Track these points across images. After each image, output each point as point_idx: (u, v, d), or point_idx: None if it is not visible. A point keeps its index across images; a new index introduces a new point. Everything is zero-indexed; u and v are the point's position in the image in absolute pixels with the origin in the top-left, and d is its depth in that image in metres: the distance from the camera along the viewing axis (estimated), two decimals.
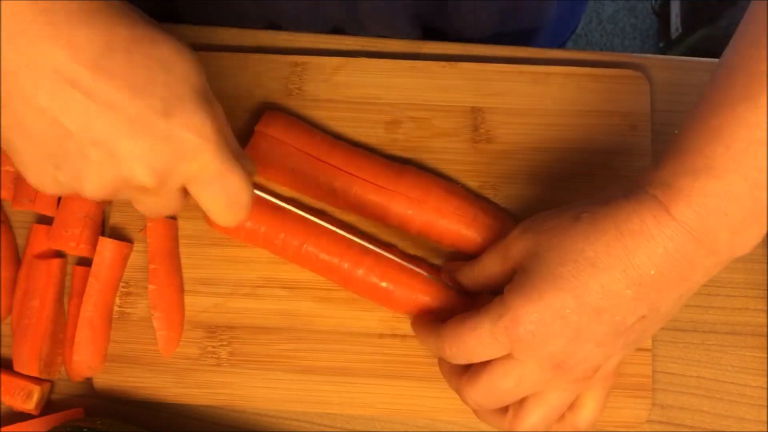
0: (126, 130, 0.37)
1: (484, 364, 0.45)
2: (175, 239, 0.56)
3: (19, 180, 0.56)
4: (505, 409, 0.47)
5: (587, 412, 0.47)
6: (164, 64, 0.38)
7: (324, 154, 0.55)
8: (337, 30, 0.64)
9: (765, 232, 0.41)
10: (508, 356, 0.44)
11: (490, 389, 0.45)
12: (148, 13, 0.40)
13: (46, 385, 0.55)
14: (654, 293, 0.41)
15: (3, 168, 0.57)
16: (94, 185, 0.38)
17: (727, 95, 0.40)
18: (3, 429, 0.53)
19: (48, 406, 0.55)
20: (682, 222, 0.40)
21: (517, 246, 0.46)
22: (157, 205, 0.41)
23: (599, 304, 0.41)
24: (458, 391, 0.47)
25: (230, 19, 0.62)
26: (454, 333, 0.45)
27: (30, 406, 0.53)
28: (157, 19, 0.41)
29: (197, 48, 0.59)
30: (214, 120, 0.39)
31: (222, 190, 0.41)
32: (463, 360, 0.46)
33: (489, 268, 0.49)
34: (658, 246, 0.40)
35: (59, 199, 0.56)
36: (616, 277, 0.41)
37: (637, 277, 0.41)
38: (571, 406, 0.47)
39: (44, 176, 0.39)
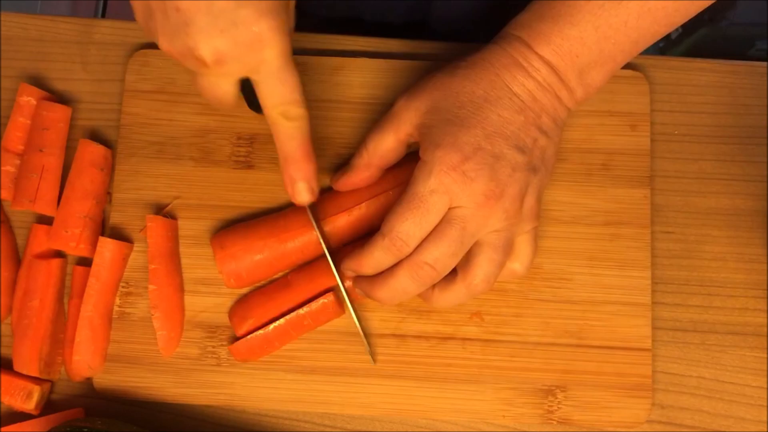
0: (204, 8, 0.42)
1: (427, 243, 0.47)
2: (175, 239, 0.56)
3: (19, 180, 0.56)
4: (451, 278, 0.49)
5: (523, 256, 0.51)
6: None
7: None
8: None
9: (606, 79, 0.50)
10: (444, 220, 0.47)
11: (447, 248, 0.47)
12: None
13: (46, 385, 0.55)
14: (536, 116, 0.48)
15: (3, 168, 0.57)
16: (165, 44, 0.44)
17: None
18: (3, 429, 0.53)
19: (48, 406, 0.55)
20: (543, 57, 0.48)
21: (407, 113, 0.50)
22: (213, 87, 0.47)
23: (503, 130, 0.47)
24: (427, 297, 0.50)
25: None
26: (398, 220, 0.47)
27: (30, 406, 0.54)
28: None
29: None
30: (285, 22, 0.44)
31: (279, 87, 0.46)
32: (415, 241, 0.47)
33: (382, 144, 0.52)
34: (528, 76, 0.48)
35: (59, 199, 0.56)
36: (507, 105, 0.48)
37: (521, 104, 0.48)
38: (513, 255, 0.50)
39: (140, 16, 0.45)
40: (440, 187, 0.46)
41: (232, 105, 0.49)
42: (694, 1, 0.49)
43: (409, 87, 0.51)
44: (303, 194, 0.50)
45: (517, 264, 0.51)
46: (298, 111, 0.48)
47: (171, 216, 0.56)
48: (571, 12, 0.48)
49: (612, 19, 0.47)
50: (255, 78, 0.46)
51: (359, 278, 0.51)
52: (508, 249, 0.49)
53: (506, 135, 0.47)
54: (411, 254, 0.48)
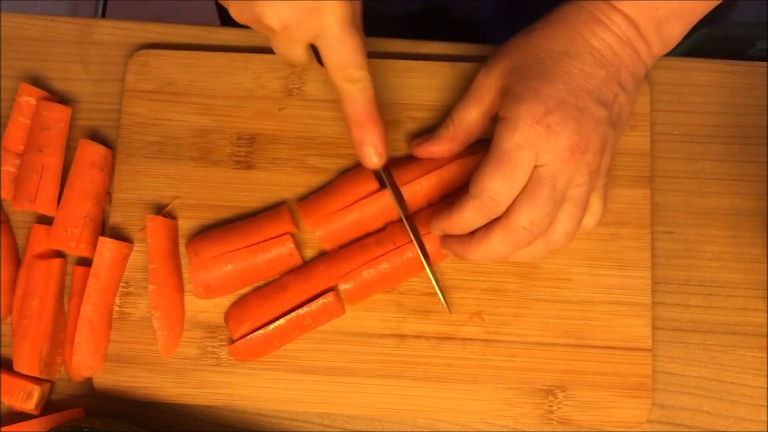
0: None
1: (519, 206, 0.47)
2: (175, 239, 0.56)
3: (19, 180, 0.56)
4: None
5: (595, 210, 0.51)
6: None
7: None
8: None
9: (684, 32, 0.50)
10: (533, 179, 0.47)
11: (542, 209, 0.47)
12: None
13: (46, 385, 0.55)
14: (617, 71, 0.48)
15: (3, 168, 0.57)
16: (235, 12, 0.47)
17: None
18: (3, 429, 0.53)
19: (48, 406, 0.55)
20: (621, 11, 0.48)
21: (487, 81, 0.51)
22: (285, 50, 0.49)
23: (585, 84, 0.47)
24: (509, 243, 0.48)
25: None
26: (487, 180, 0.47)
27: (30, 406, 0.54)
28: None
29: (196, 48, 0.59)
30: None
31: (340, 50, 0.47)
32: (506, 200, 0.47)
33: (466, 117, 0.52)
34: (608, 30, 0.48)
35: (59, 198, 0.56)
36: (588, 60, 0.48)
37: (601, 58, 0.48)
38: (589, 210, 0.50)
39: None
40: (526, 142, 0.46)
41: (306, 64, 0.51)
42: None
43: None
44: (372, 158, 0.51)
45: (589, 219, 0.51)
46: (359, 74, 0.48)
47: (171, 216, 0.56)
48: None
49: None
50: (318, 44, 0.47)
51: (448, 238, 0.51)
52: (587, 204, 0.49)
53: (589, 89, 0.47)
54: (506, 217, 0.47)
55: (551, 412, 0.53)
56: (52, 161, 0.57)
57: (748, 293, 0.55)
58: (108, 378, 0.55)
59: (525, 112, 0.46)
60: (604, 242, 0.56)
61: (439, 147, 0.53)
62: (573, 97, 0.47)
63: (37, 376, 0.54)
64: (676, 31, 0.50)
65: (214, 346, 0.55)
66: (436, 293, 0.53)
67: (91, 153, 0.57)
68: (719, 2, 0.50)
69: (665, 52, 0.51)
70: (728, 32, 0.77)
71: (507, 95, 0.48)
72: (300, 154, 0.57)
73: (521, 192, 0.47)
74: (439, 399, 0.54)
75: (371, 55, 0.59)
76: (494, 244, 0.48)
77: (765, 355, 0.54)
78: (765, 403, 0.54)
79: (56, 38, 0.60)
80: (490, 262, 0.50)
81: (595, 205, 0.51)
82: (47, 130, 0.57)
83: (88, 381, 0.55)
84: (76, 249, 0.55)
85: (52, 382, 0.56)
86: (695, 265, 0.56)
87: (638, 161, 0.56)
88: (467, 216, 0.48)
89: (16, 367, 0.54)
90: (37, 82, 0.59)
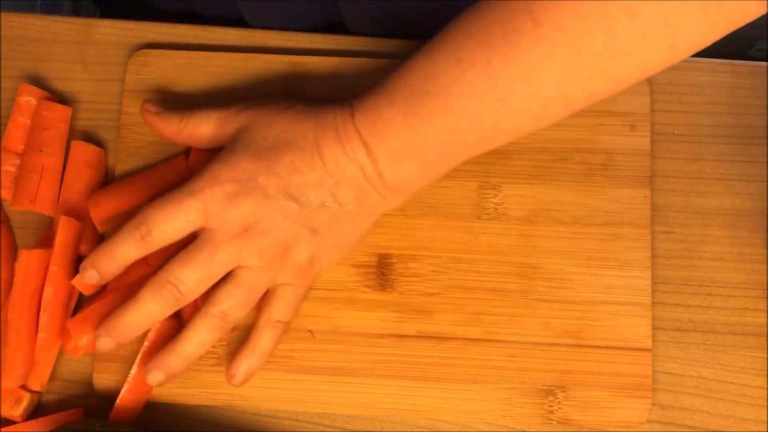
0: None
1: (174, 262, 0.48)
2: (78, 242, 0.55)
3: (19, 180, 0.56)
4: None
5: (276, 307, 0.51)
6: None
7: None
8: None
9: (420, 175, 0.49)
10: (200, 233, 0.48)
11: (201, 265, 0.48)
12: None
13: (35, 395, 0.54)
14: (334, 183, 0.48)
15: (3, 168, 0.57)
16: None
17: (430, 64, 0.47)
18: (3, 430, 0.53)
19: (48, 407, 0.55)
20: (357, 127, 0.47)
21: (234, 119, 0.51)
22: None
23: (288, 178, 0.47)
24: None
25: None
26: (159, 212, 0.48)
27: (17, 412, 0.53)
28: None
29: (196, 48, 0.59)
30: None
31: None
32: (163, 241, 0.48)
33: (200, 129, 0.52)
34: (338, 141, 0.47)
35: (58, 197, 0.56)
36: (305, 157, 0.47)
37: (321, 163, 0.48)
38: (265, 301, 0.51)
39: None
40: (200, 195, 0.47)
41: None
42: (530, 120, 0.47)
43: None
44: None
45: (272, 312, 0.51)
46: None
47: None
48: (393, 97, 0.47)
49: (419, 110, 0.46)
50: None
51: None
52: (254, 290, 0.50)
53: (290, 184, 0.47)
54: (158, 270, 0.49)
55: (551, 412, 0.53)
56: (52, 161, 0.57)
57: (748, 293, 0.55)
58: (108, 378, 0.55)
59: (213, 170, 0.48)
60: (604, 242, 0.56)
61: (168, 130, 0.54)
62: (266, 179, 0.47)
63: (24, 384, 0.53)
64: (409, 171, 0.48)
65: (213, 346, 0.55)
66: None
67: (85, 154, 0.57)
68: (456, 164, 0.49)
69: (402, 190, 0.50)
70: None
71: (221, 152, 0.50)
72: None
73: (182, 251, 0.49)
74: (439, 399, 0.54)
75: (371, 54, 0.59)
76: (143, 304, 0.49)
77: (765, 355, 0.54)
78: (765, 403, 0.54)
79: (56, 38, 0.60)
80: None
81: (276, 301, 0.51)
82: (47, 130, 0.57)
83: (88, 381, 0.55)
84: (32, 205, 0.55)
85: (40, 393, 0.55)
86: (695, 265, 0.56)
87: (638, 161, 0.56)
88: (122, 252, 0.49)
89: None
90: (37, 82, 0.59)
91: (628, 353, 0.54)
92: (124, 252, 0.49)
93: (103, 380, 0.55)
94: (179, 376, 0.52)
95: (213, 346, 0.54)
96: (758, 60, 0.59)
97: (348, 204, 0.49)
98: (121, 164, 0.57)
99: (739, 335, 0.55)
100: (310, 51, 0.59)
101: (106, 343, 0.50)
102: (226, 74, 0.58)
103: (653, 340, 0.55)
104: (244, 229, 0.47)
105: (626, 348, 0.54)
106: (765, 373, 0.54)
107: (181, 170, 0.56)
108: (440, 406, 0.54)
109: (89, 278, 0.50)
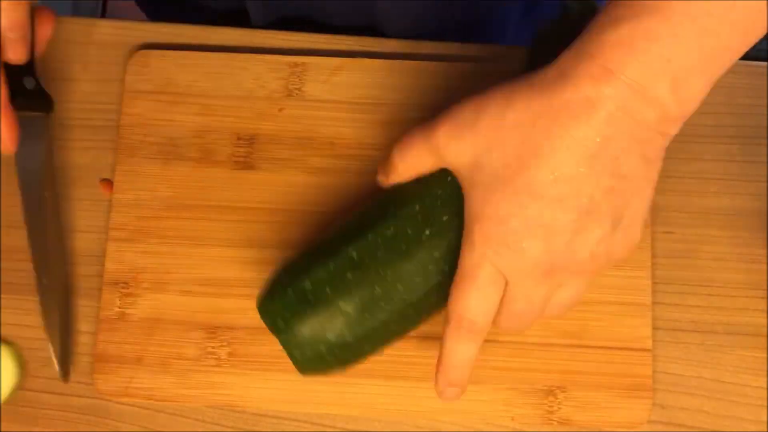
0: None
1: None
2: None
3: None
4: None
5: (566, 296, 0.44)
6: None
7: None
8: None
9: (708, 88, 0.39)
10: (506, 289, 0.42)
11: (518, 317, 0.43)
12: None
13: None
14: (609, 160, 0.38)
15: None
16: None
17: None
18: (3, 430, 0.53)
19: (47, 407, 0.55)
20: (621, 75, 0.37)
21: (450, 149, 0.42)
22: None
23: (556, 192, 0.39)
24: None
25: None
26: (459, 301, 0.43)
27: None
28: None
29: (197, 48, 0.59)
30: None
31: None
32: (486, 307, 0.43)
33: (416, 162, 0.45)
34: (597, 111, 0.37)
35: None
36: (563, 159, 0.38)
37: (583, 151, 0.38)
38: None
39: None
40: (484, 261, 0.41)
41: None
42: None
43: (452, 110, 0.43)
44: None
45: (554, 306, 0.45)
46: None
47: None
48: (657, 5, 0.36)
49: (710, 5, 0.36)
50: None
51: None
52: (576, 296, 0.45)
53: (562, 196, 0.39)
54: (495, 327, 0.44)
55: (551, 412, 0.53)
56: None
57: (748, 293, 0.55)
58: (108, 378, 0.55)
59: (480, 231, 0.41)
60: None
61: (386, 175, 0.47)
62: (538, 211, 0.39)
63: None
64: (698, 87, 0.39)
65: (213, 347, 0.55)
66: None
67: None
68: (748, 47, 0.40)
69: (687, 116, 0.40)
70: None
71: (466, 198, 0.42)
72: (300, 155, 0.57)
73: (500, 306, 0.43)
74: (438, 399, 0.54)
75: (371, 54, 0.59)
76: (451, 347, 0.44)
77: (765, 355, 0.54)
78: (765, 403, 0.54)
79: (56, 38, 0.60)
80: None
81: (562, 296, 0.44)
82: None
83: (88, 381, 0.55)
84: None
85: None
86: (695, 265, 0.56)
87: None
88: (451, 345, 0.44)
89: None
90: None
91: (629, 353, 0.54)
92: (465, 352, 0.44)
93: (103, 380, 0.55)
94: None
95: (213, 347, 0.55)
96: (758, 60, 0.59)
97: (633, 171, 0.39)
98: (121, 164, 0.57)
99: (739, 335, 0.55)
100: (310, 51, 0.59)
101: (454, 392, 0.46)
102: (226, 74, 0.58)
103: (653, 340, 0.54)
104: (546, 273, 0.41)
105: (626, 348, 0.54)
106: (765, 373, 0.54)
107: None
108: (440, 406, 0.54)
109: (454, 395, 0.46)
